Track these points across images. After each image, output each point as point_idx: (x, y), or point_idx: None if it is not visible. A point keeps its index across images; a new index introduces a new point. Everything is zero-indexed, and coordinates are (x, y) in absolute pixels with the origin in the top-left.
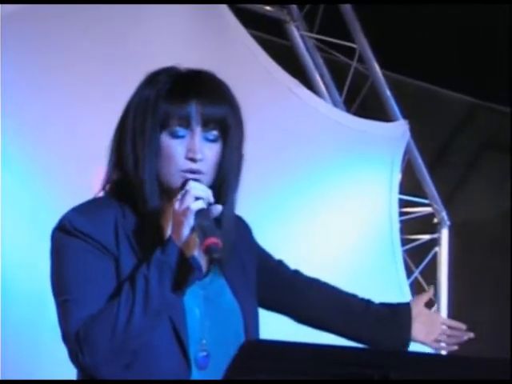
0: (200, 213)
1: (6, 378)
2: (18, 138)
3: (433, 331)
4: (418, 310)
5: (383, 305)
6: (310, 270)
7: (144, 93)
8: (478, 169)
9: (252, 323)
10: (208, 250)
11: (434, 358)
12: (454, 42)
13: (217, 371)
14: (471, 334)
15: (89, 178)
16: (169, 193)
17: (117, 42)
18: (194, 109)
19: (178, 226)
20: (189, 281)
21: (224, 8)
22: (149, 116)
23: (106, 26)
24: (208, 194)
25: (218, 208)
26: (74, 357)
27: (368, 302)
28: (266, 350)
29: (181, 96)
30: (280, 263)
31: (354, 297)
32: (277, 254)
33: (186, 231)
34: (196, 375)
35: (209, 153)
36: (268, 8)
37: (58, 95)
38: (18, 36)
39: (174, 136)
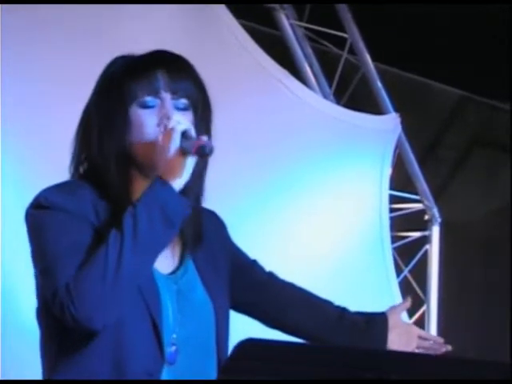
0: (185, 134)
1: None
2: (10, 138)
3: (409, 343)
4: (395, 320)
5: (359, 314)
6: (297, 267)
7: (107, 72)
8: (467, 165)
9: (223, 319)
10: (199, 150)
11: (434, 359)
12: (445, 34)
13: (185, 367)
14: (449, 347)
15: None
16: (141, 168)
17: (104, 40)
18: (161, 78)
19: (162, 148)
20: (178, 214)
21: None
22: (114, 91)
23: (92, 24)
24: (192, 127)
25: (204, 137)
26: (66, 310)
27: (343, 310)
28: (263, 350)
29: (146, 67)
30: (254, 263)
31: (329, 304)
32: (262, 252)
33: (172, 148)
34: (165, 370)
35: (181, 120)
36: None
37: (46, 94)
38: (12, 34)
39: (144, 106)
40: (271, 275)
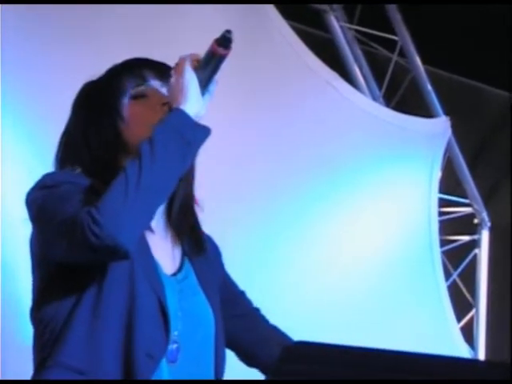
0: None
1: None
2: (15, 131)
3: None
4: None
5: None
6: (345, 269)
7: (90, 83)
8: None
9: (221, 325)
10: (220, 41)
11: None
12: (497, 36)
13: (185, 367)
14: None
15: None
16: None
17: (148, 41)
18: (147, 73)
19: (177, 80)
20: (194, 134)
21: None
22: (101, 93)
23: (133, 22)
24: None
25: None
26: (89, 232)
27: None
28: (312, 353)
29: (131, 68)
30: (243, 294)
31: None
32: (307, 256)
33: (187, 73)
34: (165, 368)
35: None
36: None
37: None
38: (20, 33)
39: (136, 97)
40: (257, 310)
